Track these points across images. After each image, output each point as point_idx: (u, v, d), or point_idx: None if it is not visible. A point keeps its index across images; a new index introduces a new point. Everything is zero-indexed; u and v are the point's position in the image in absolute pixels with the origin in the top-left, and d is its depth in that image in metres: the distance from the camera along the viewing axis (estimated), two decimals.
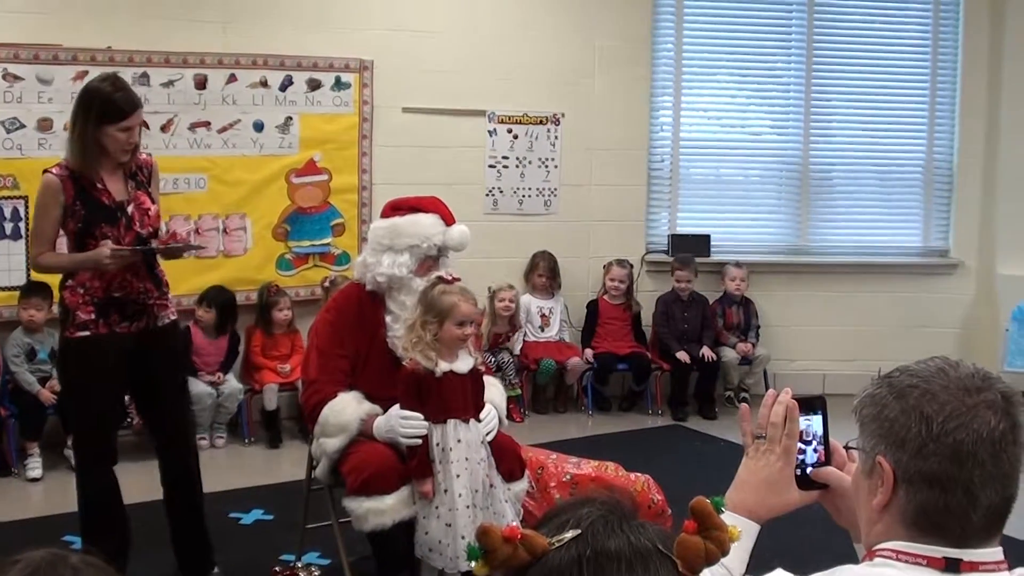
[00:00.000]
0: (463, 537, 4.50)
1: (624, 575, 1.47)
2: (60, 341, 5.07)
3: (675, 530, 1.56)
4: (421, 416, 4.61)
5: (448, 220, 5.02)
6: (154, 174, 5.06)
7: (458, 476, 4.56)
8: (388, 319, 4.97)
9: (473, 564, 1.51)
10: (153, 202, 4.97)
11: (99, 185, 4.79)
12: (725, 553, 1.58)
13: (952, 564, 1.86)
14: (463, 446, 4.61)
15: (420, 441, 4.60)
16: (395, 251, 4.94)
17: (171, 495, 5.11)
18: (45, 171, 4.84)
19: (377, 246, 5.01)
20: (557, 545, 1.49)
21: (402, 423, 4.62)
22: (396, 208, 5.11)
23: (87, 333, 4.80)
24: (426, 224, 4.95)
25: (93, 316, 4.79)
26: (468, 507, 4.56)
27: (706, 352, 8.59)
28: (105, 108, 4.71)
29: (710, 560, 1.57)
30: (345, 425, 4.76)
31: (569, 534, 1.50)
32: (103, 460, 4.97)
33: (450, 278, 4.79)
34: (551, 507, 1.63)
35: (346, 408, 4.78)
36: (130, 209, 4.84)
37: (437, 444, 4.60)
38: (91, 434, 4.97)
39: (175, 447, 5.09)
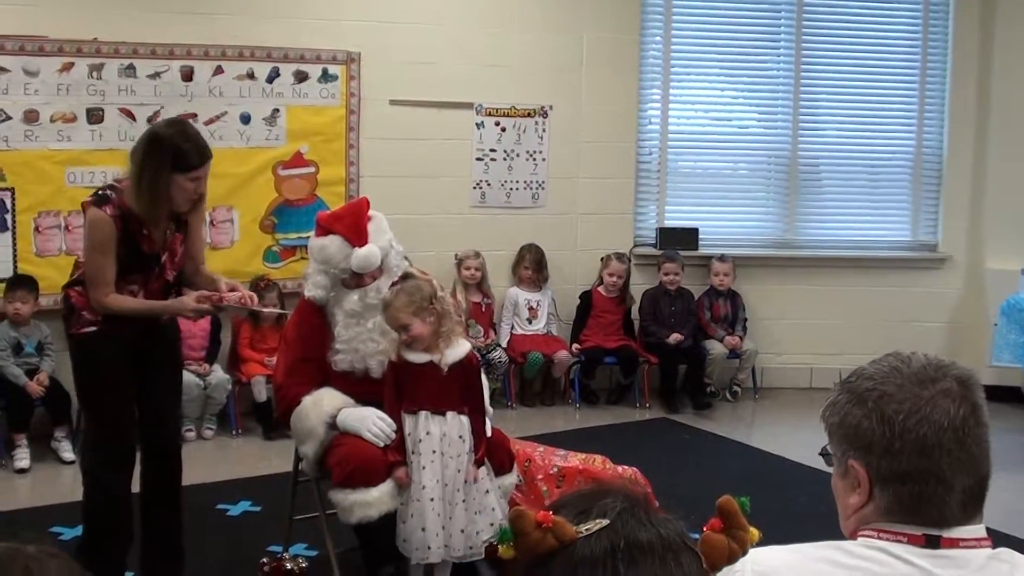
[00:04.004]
0: (423, 529, 4.53)
1: (657, 567, 1.46)
2: (68, 340, 4.88)
3: None
4: (394, 425, 4.64)
5: (356, 241, 4.92)
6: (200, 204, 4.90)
7: (424, 468, 4.58)
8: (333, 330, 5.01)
9: (501, 547, 1.51)
10: (181, 244, 4.85)
11: (144, 232, 4.65)
12: (745, 553, 1.60)
13: (932, 540, 1.91)
14: (434, 439, 4.61)
15: (383, 441, 4.63)
16: (315, 272, 5.00)
17: (148, 492, 4.96)
18: (94, 206, 4.61)
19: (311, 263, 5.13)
20: (586, 534, 1.49)
21: (376, 421, 4.66)
22: (318, 225, 5.08)
23: (93, 329, 4.69)
24: (331, 251, 4.91)
25: (98, 315, 4.70)
26: (432, 499, 4.55)
27: (676, 337, 8.61)
28: (175, 158, 4.55)
29: (731, 559, 1.59)
30: (311, 431, 4.78)
31: (597, 524, 1.49)
32: (121, 465, 4.77)
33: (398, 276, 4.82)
34: (564, 495, 1.62)
35: (309, 414, 4.80)
36: (163, 257, 4.75)
37: (409, 434, 4.63)
38: (108, 434, 4.77)
39: (161, 447, 4.96)
